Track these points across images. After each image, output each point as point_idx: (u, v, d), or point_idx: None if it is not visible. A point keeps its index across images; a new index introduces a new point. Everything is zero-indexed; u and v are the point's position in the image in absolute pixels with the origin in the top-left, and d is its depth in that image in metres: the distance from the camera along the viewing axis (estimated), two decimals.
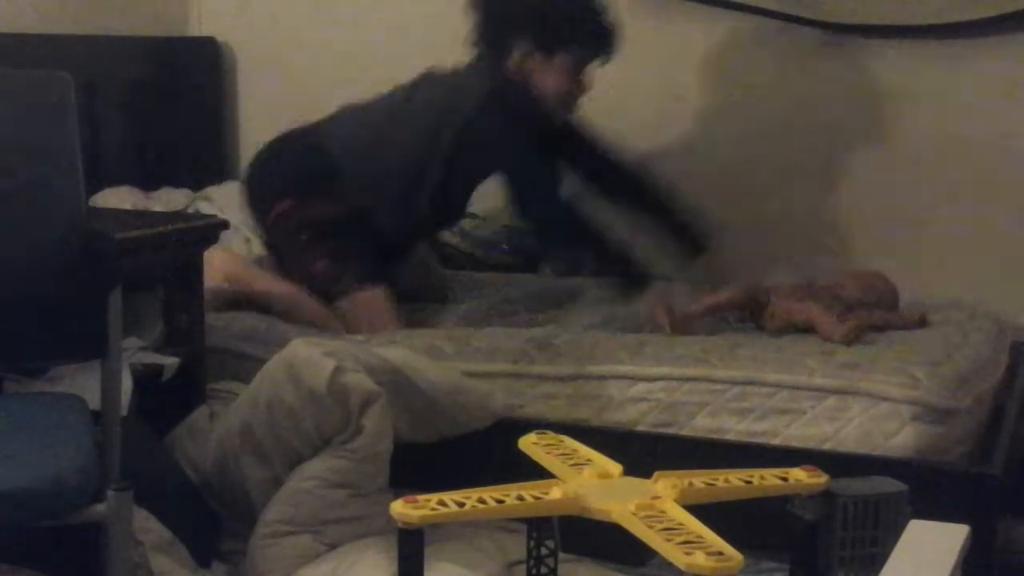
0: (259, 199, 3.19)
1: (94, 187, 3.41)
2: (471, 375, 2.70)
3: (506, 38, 3.09)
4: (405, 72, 3.99)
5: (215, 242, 2.95)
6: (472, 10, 3.14)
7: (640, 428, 2.63)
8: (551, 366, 2.72)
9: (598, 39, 3.11)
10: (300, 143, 3.23)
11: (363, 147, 3.14)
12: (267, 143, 3.29)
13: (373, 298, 3.07)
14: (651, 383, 2.65)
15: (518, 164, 3.07)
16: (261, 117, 4.20)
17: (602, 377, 2.68)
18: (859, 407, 2.53)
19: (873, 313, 2.92)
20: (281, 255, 3.17)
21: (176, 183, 3.73)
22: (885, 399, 2.51)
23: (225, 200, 3.57)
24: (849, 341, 2.76)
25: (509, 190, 3.07)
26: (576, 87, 3.14)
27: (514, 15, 3.11)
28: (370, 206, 3.11)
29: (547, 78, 3.09)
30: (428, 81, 3.20)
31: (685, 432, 2.62)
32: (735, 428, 2.58)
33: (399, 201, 3.12)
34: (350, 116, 3.22)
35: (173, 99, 3.95)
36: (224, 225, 2.89)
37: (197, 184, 3.74)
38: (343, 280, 3.08)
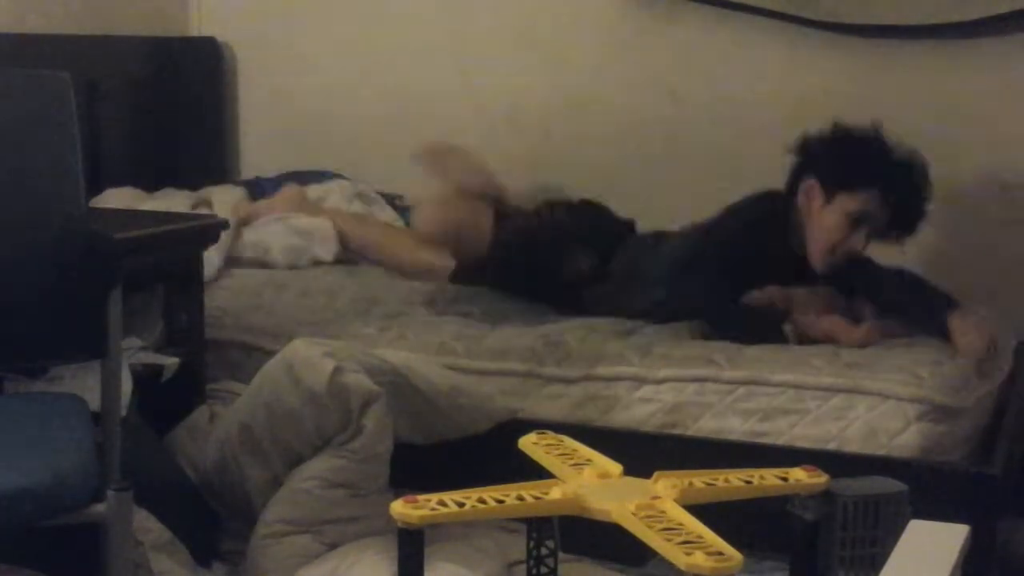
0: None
1: (94, 187, 3.41)
2: (481, 374, 2.70)
3: (800, 175, 3.02)
4: (404, 72, 4.00)
5: (215, 242, 2.95)
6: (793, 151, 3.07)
7: (645, 429, 2.64)
8: (560, 368, 2.73)
9: (887, 195, 2.93)
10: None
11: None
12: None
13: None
14: (658, 384, 2.66)
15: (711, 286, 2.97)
16: (261, 117, 4.21)
17: (610, 379, 2.69)
18: (864, 406, 2.53)
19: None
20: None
21: (176, 183, 3.73)
22: (890, 398, 2.51)
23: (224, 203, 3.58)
24: (865, 345, 2.78)
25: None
26: (847, 238, 2.95)
27: (813, 152, 3.03)
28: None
29: (823, 217, 2.96)
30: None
31: (690, 434, 2.62)
32: (740, 429, 2.59)
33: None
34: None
35: (173, 99, 3.95)
36: (224, 225, 2.90)
37: (197, 184, 3.74)
38: None
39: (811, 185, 2.98)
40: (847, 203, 2.94)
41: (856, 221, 2.94)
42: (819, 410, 2.56)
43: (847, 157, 2.98)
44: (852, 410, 2.54)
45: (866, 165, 2.96)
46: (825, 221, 2.95)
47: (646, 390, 2.66)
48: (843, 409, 2.54)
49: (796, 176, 3.04)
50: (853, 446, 2.51)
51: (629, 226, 3.33)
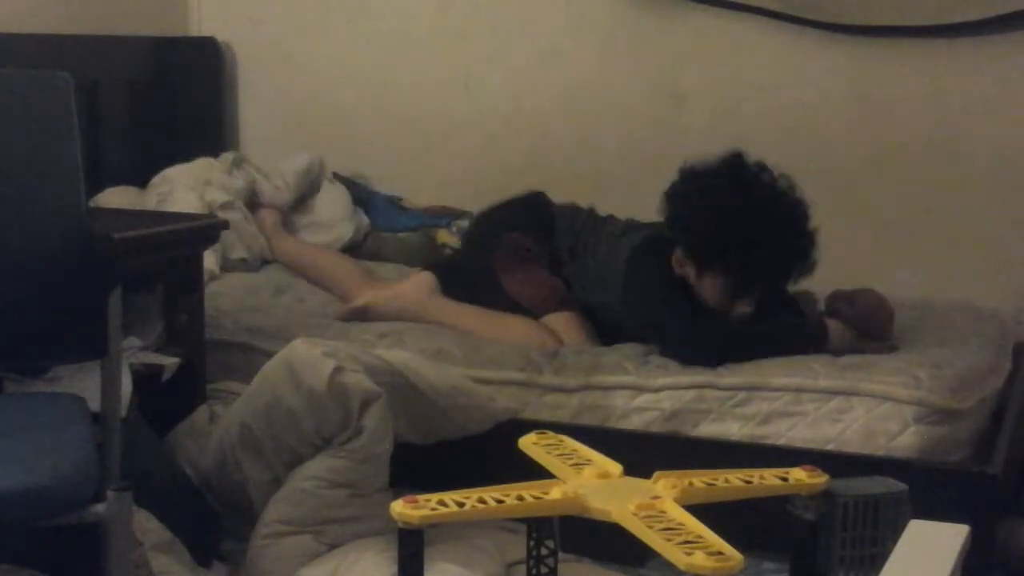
0: (499, 216, 3.26)
1: (94, 187, 3.41)
2: (479, 382, 2.70)
3: (674, 236, 2.88)
4: (405, 72, 4.00)
5: (215, 242, 2.95)
6: (663, 198, 2.91)
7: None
8: (558, 377, 2.72)
9: (753, 279, 2.81)
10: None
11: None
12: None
13: (574, 318, 3.05)
14: (656, 393, 2.66)
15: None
16: (261, 117, 4.21)
17: (607, 388, 2.69)
18: (862, 408, 2.53)
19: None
20: (495, 269, 3.12)
21: None
22: (888, 400, 2.51)
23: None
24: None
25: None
26: (732, 307, 2.85)
27: (679, 219, 2.87)
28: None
29: (700, 289, 2.84)
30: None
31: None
32: (738, 433, 2.59)
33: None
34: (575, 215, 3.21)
35: (173, 99, 3.95)
36: (224, 225, 2.89)
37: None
38: (551, 300, 3.06)
39: (679, 258, 2.86)
40: (718, 279, 2.82)
41: (734, 293, 2.84)
42: (817, 413, 2.56)
43: (708, 238, 2.81)
44: (850, 412, 2.54)
45: (727, 246, 2.78)
46: (704, 291, 2.84)
47: (644, 399, 2.66)
48: (841, 411, 2.54)
49: (671, 232, 2.90)
50: (852, 448, 2.51)
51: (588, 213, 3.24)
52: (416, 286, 3.15)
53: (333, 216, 3.77)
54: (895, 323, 2.99)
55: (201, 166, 3.58)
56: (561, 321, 3.00)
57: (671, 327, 2.81)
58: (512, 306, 3.04)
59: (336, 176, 3.87)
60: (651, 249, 2.93)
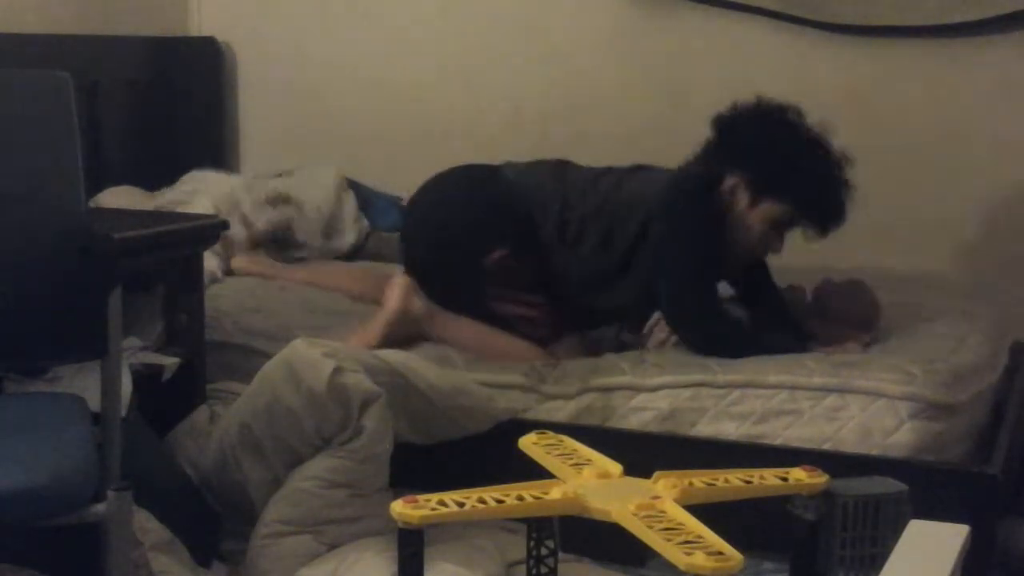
0: (473, 240, 2.98)
1: (94, 187, 3.41)
2: (481, 385, 2.70)
3: (726, 164, 2.87)
4: (405, 72, 4.00)
5: (215, 242, 2.95)
6: (712, 127, 2.93)
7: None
8: (559, 386, 2.73)
9: (813, 207, 2.85)
10: (504, 194, 3.02)
11: (562, 222, 2.96)
12: (458, 178, 3.11)
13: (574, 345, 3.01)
14: (652, 392, 2.66)
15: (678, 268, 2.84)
16: (261, 117, 4.21)
17: (605, 389, 2.69)
18: (857, 406, 2.53)
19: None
20: (480, 287, 2.98)
21: (176, 183, 3.73)
22: (882, 396, 2.52)
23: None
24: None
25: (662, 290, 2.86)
26: (769, 240, 2.89)
27: (741, 145, 2.87)
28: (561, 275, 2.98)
29: (745, 218, 2.85)
30: (640, 174, 3.00)
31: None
32: (735, 433, 2.59)
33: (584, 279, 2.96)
34: (552, 188, 2.99)
35: (173, 99, 3.95)
36: (224, 225, 2.89)
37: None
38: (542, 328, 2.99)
39: (736, 183, 2.86)
40: (773, 210, 2.84)
41: (779, 226, 2.88)
42: (813, 411, 2.56)
43: (779, 161, 2.84)
44: (846, 410, 2.54)
45: (797, 173, 2.83)
46: (749, 222, 2.85)
47: (641, 398, 2.67)
48: (837, 409, 2.55)
49: (719, 161, 2.89)
50: (848, 446, 2.51)
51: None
52: (401, 299, 2.93)
53: (345, 223, 3.78)
54: (883, 317, 3.01)
55: (237, 187, 3.55)
56: (562, 349, 2.99)
57: (696, 307, 2.83)
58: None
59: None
60: (695, 188, 2.87)
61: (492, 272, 2.93)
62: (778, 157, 2.84)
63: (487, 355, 2.88)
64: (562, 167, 3.07)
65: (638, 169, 3.03)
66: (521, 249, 2.94)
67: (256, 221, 3.51)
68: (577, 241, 2.94)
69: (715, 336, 2.81)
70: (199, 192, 3.53)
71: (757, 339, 2.84)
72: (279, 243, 3.58)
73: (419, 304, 2.91)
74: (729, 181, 2.86)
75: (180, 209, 3.41)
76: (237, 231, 3.42)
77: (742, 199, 2.86)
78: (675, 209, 2.86)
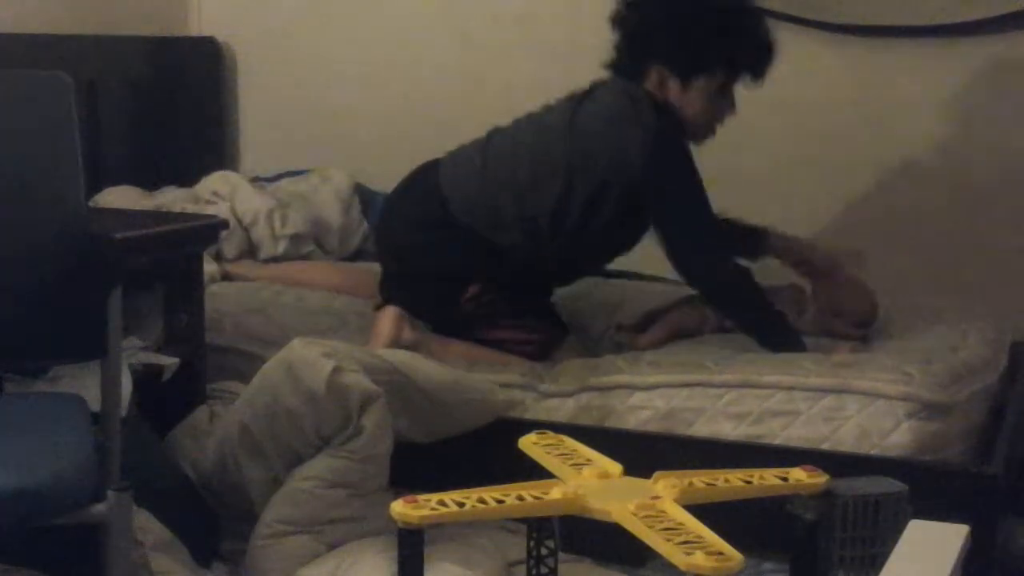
0: (445, 275, 2.92)
1: (94, 187, 3.42)
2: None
3: (641, 60, 2.83)
4: (405, 71, 4.00)
5: (215, 242, 2.95)
6: (613, 28, 2.88)
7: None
8: (556, 385, 2.73)
9: (743, 64, 2.81)
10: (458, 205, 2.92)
11: (520, 190, 2.87)
12: (409, 221, 3.00)
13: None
14: (649, 391, 2.66)
15: (685, 201, 2.81)
16: (261, 117, 4.21)
17: (602, 388, 2.69)
18: (854, 406, 2.53)
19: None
20: (465, 324, 2.93)
21: (176, 183, 3.73)
22: (879, 396, 2.52)
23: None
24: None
25: (667, 235, 2.84)
26: (718, 110, 2.87)
27: (652, 36, 2.82)
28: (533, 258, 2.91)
29: (685, 102, 2.82)
30: (580, 113, 2.88)
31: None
32: (732, 433, 2.59)
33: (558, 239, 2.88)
34: (493, 202, 2.90)
35: (173, 99, 3.95)
36: (224, 225, 2.89)
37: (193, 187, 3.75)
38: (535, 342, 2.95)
39: (661, 74, 2.81)
40: (708, 84, 2.81)
41: (722, 93, 2.84)
42: (810, 411, 2.56)
43: (691, 38, 2.79)
44: (843, 410, 2.54)
45: (714, 40, 2.78)
46: (690, 105, 2.81)
47: (638, 397, 2.66)
48: (834, 409, 2.54)
49: (634, 60, 2.84)
50: (846, 446, 2.51)
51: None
52: (392, 329, 2.85)
53: (352, 230, 3.79)
54: (880, 315, 3.01)
55: (262, 211, 3.58)
56: (561, 351, 2.97)
57: (708, 256, 2.82)
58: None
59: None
60: (656, 123, 2.78)
61: (471, 308, 2.90)
62: (688, 34, 2.79)
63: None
64: (480, 163, 2.95)
65: (542, 118, 2.95)
66: (492, 280, 2.90)
67: (262, 247, 3.55)
68: (556, 233, 2.87)
69: (728, 284, 2.82)
70: (216, 202, 3.55)
71: (765, 297, 2.84)
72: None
73: (410, 334, 2.86)
74: (653, 77, 2.83)
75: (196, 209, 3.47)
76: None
77: (673, 87, 2.82)
78: (654, 160, 2.78)
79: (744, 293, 2.83)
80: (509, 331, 2.94)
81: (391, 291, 3.01)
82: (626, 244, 3.03)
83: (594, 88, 2.93)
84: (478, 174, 2.93)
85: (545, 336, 2.97)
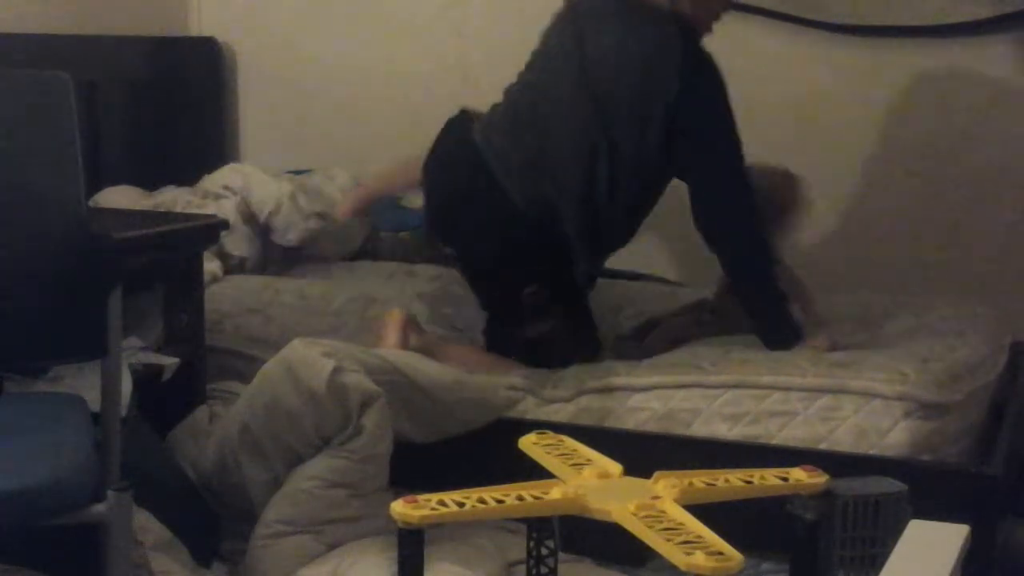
0: (514, 275, 2.87)
1: (94, 187, 3.42)
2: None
3: None
4: (403, 71, 4.00)
5: (215, 242, 2.95)
6: None
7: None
8: (557, 391, 2.72)
9: None
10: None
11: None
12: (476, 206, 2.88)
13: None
14: (646, 392, 2.66)
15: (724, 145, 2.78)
16: (261, 117, 4.21)
17: (600, 391, 2.69)
18: (851, 406, 2.53)
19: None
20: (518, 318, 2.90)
21: (176, 182, 3.73)
22: (876, 396, 2.52)
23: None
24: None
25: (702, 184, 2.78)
26: (717, 4, 2.85)
27: None
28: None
29: (700, 9, 2.79)
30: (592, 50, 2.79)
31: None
32: (729, 434, 2.59)
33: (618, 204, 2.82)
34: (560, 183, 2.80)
35: (173, 99, 3.95)
36: (224, 225, 2.90)
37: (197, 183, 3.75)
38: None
39: None
40: None
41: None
42: (807, 411, 2.56)
43: None
44: (840, 411, 2.54)
45: None
46: (706, 6, 2.81)
47: (636, 399, 2.66)
48: (831, 410, 2.54)
49: None
50: (843, 447, 2.51)
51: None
52: (396, 337, 2.82)
53: (354, 228, 3.79)
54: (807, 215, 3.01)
55: (285, 193, 3.56)
56: None
57: (737, 205, 2.77)
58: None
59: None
60: (699, 57, 2.75)
61: (528, 305, 2.86)
62: None
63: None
64: (533, 143, 2.84)
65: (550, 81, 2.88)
66: (554, 279, 2.86)
67: (289, 230, 3.53)
68: (611, 198, 2.80)
69: (750, 251, 2.77)
70: (227, 196, 3.55)
71: (778, 282, 2.79)
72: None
73: (415, 339, 2.84)
74: None
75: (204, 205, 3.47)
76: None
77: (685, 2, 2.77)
78: (696, 95, 2.74)
79: (762, 268, 2.76)
80: (560, 320, 2.87)
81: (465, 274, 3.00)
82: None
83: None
84: (527, 162, 2.83)
85: (594, 332, 2.94)
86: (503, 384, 2.72)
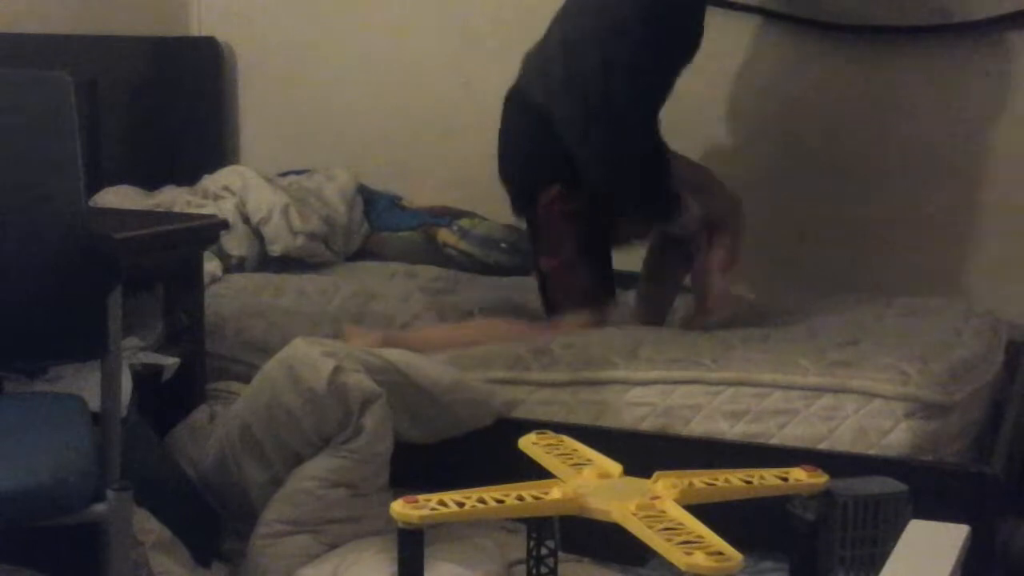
0: (529, 182, 3.08)
1: (94, 187, 3.42)
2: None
3: None
4: (405, 71, 4.01)
5: (215, 242, 2.94)
6: None
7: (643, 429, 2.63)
8: (547, 373, 2.71)
9: None
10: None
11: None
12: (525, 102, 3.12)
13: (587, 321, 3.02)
14: (646, 387, 2.65)
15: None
16: (261, 117, 4.21)
17: (598, 383, 2.68)
18: (852, 406, 2.53)
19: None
20: (540, 235, 3.10)
21: (176, 182, 3.73)
22: (877, 396, 2.51)
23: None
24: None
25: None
26: None
27: None
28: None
29: None
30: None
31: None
32: (730, 432, 2.58)
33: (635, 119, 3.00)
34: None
35: (173, 99, 3.95)
36: (224, 225, 2.90)
37: (197, 183, 3.75)
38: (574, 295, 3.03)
39: None
40: None
41: None
42: (808, 410, 2.56)
43: None
44: (840, 410, 2.54)
45: None
46: None
47: (635, 393, 2.66)
48: (832, 409, 2.54)
49: None
50: (844, 446, 2.51)
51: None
52: (361, 342, 2.85)
53: (354, 228, 3.79)
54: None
55: (277, 205, 3.58)
56: (570, 323, 2.99)
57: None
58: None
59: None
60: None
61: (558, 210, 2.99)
62: None
63: (467, 347, 2.88)
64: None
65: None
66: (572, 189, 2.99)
67: (275, 242, 3.54)
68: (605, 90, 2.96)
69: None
70: (226, 196, 3.55)
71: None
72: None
73: (373, 338, 2.88)
74: None
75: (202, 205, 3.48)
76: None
77: None
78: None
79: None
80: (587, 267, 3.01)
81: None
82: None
83: None
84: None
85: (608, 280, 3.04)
86: (489, 377, 2.70)
